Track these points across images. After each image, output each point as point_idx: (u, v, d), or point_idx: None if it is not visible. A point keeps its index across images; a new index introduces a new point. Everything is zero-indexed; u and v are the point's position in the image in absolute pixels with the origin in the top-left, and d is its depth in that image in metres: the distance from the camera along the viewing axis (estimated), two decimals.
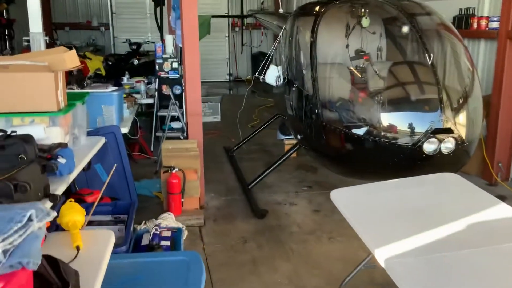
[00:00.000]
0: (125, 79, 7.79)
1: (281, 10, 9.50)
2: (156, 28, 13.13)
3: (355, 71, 4.50)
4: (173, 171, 4.54)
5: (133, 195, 4.79)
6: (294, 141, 6.58)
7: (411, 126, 3.79)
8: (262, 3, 13.09)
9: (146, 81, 7.87)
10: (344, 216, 2.93)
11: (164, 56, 7.58)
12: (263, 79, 6.22)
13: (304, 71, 4.98)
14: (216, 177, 6.06)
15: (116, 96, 4.81)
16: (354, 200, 3.11)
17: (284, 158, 5.36)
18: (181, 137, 5.15)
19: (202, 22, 12.31)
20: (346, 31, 4.98)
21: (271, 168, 5.38)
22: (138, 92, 6.87)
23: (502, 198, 4.84)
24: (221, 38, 14.82)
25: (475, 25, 5.97)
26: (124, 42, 12.80)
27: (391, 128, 3.88)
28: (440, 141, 3.65)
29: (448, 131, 3.66)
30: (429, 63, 3.85)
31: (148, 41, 12.20)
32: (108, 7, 14.36)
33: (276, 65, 6.18)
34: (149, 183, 5.63)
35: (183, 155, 4.64)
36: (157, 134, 7.27)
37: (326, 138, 4.33)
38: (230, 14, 14.28)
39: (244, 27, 13.90)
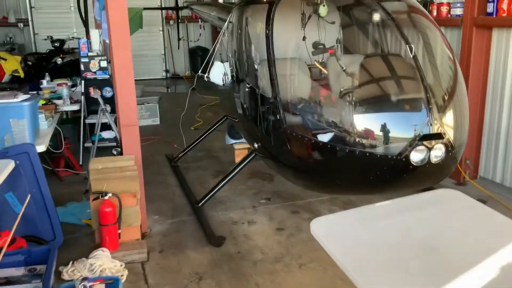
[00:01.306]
0: (44, 82, 6.71)
1: (220, 0, 8.72)
2: (81, 22, 11.94)
3: (320, 67, 3.85)
4: (106, 198, 3.68)
5: (56, 229, 3.88)
6: (245, 146, 5.90)
7: (393, 132, 3.19)
8: None
9: (70, 84, 6.84)
10: (333, 258, 2.26)
11: (90, 54, 6.59)
12: (208, 77, 5.44)
13: (258, 69, 4.27)
14: (159, 194, 5.23)
15: (28, 107, 3.86)
16: (341, 233, 2.45)
17: (237, 170, 4.64)
18: (114, 152, 4.29)
19: (133, 15, 11.26)
20: (302, 21, 4.35)
21: (223, 183, 4.64)
22: (60, 97, 5.86)
23: (482, 202, 4.41)
24: (155, 32, 13.79)
25: (434, 12, 5.52)
26: (46, 39, 11.53)
27: (369, 134, 3.26)
28: (429, 148, 3.08)
29: (438, 136, 3.10)
30: (411, 56, 3.26)
31: (72, 37, 10.99)
32: (26, 1, 12.90)
33: (222, 62, 5.42)
34: (78, 208, 4.70)
35: (118, 177, 3.78)
36: (86, 145, 6.29)
37: (289, 147, 3.65)
38: (163, 6, 13.27)
39: (179, 20, 12.95)
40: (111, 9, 3.83)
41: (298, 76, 4.01)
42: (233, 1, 9.78)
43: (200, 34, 12.95)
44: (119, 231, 3.78)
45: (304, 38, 4.36)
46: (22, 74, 8.38)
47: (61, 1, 13.01)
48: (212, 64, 5.46)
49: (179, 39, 12.74)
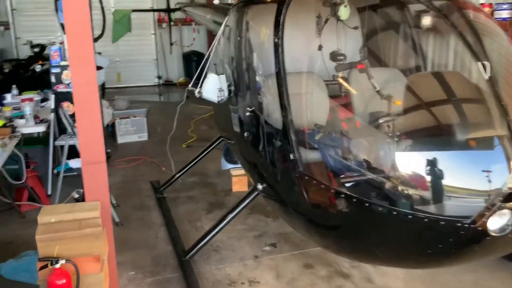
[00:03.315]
0: (8, 97, 5.75)
1: (216, 1, 7.77)
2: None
3: (348, 86, 2.91)
4: (57, 266, 2.70)
5: None
6: (244, 172, 4.95)
7: (460, 185, 2.24)
8: None
9: (39, 98, 5.89)
10: None
11: (62, 63, 5.64)
12: (200, 93, 4.48)
13: (262, 87, 3.33)
14: (138, 237, 4.27)
15: None
16: None
17: (234, 213, 3.67)
18: (76, 195, 3.32)
19: (120, 18, 10.29)
20: (317, 26, 3.42)
21: (216, 229, 3.69)
22: (23, 117, 4.88)
23: None
24: (147, 36, 12.82)
25: None
26: (25, 44, 10.59)
27: (422, 187, 2.30)
28: None
29: None
30: (486, 77, 2.31)
31: (53, 42, 10.01)
32: (7, 2, 11.94)
33: (217, 74, 4.47)
34: (33, 262, 3.67)
35: (74, 236, 2.80)
36: (57, 171, 5.32)
37: (306, 197, 2.68)
38: (154, 8, 12.31)
39: (172, 23, 11.98)
40: (67, 9, 2.87)
41: (319, 99, 3.06)
42: (230, 1, 8.87)
43: (194, 38, 12.00)
44: None
45: (320, 48, 3.43)
46: None
47: (44, 3, 12.00)
48: (205, 76, 4.51)
49: (171, 44, 11.77)
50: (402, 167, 2.41)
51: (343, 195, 2.40)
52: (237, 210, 3.65)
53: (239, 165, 4.95)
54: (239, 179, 5.28)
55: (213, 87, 4.43)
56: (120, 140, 7.44)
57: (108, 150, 6.57)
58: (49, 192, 5.19)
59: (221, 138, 5.16)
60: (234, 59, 3.95)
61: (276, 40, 2.92)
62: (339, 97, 3.32)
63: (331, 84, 3.51)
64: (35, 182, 5.06)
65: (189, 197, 5.22)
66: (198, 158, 5.34)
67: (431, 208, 2.27)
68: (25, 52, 11.00)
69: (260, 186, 3.30)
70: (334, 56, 3.24)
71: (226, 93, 4.31)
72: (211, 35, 12.30)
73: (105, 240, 2.99)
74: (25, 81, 8.20)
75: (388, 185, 2.36)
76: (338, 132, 2.85)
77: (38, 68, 8.68)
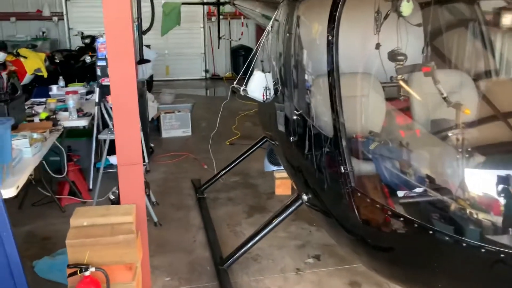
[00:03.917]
0: (54, 88, 5.74)
1: None
2: None
3: (410, 90, 2.60)
4: (86, 273, 2.55)
5: None
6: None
7: None
8: None
9: (85, 90, 5.85)
10: None
11: None
12: (245, 90, 4.25)
13: (312, 88, 3.05)
14: (176, 240, 4.10)
15: None
16: None
17: (276, 221, 3.44)
18: (112, 196, 3.18)
19: (170, 11, 10.25)
20: (375, 23, 3.10)
21: (256, 238, 3.46)
22: (67, 109, 4.83)
23: None
24: (196, 29, 12.74)
25: None
26: (76, 35, 10.74)
27: (496, 212, 1.97)
28: None
29: None
30: None
31: (103, 34, 10.07)
32: None
33: (263, 72, 4.22)
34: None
35: (106, 242, 2.65)
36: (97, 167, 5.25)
37: (358, 217, 2.39)
38: (204, 1, 12.19)
39: (221, 17, 11.82)
40: (107, 2, 2.70)
41: (373, 102, 2.75)
42: None
43: (242, 33, 11.78)
44: None
45: (378, 46, 3.11)
46: (45, 74, 7.51)
47: None
48: (251, 73, 4.27)
49: (219, 38, 11.61)
50: (473, 189, 2.07)
51: (401, 218, 2.10)
52: (278, 220, 3.41)
53: (282, 168, 4.71)
54: (282, 182, 5.03)
55: (259, 85, 4.18)
56: (165, 134, 7.38)
57: (152, 145, 6.50)
58: (91, 187, 5.13)
59: (265, 139, 4.92)
60: (282, 56, 3.69)
61: (330, 37, 2.63)
62: (397, 102, 3.00)
63: (389, 87, 3.19)
64: (77, 176, 5.01)
65: (230, 198, 5.02)
66: (241, 158, 5.13)
67: (508, 240, 1.93)
68: (77, 42, 11.13)
69: (305, 197, 3.03)
70: (393, 55, 2.92)
71: (272, 92, 4.07)
72: (260, 30, 12.05)
73: (139, 246, 2.82)
74: (75, 72, 8.26)
75: (456, 209, 2.03)
76: (396, 142, 2.54)
77: (88, 59, 8.70)
